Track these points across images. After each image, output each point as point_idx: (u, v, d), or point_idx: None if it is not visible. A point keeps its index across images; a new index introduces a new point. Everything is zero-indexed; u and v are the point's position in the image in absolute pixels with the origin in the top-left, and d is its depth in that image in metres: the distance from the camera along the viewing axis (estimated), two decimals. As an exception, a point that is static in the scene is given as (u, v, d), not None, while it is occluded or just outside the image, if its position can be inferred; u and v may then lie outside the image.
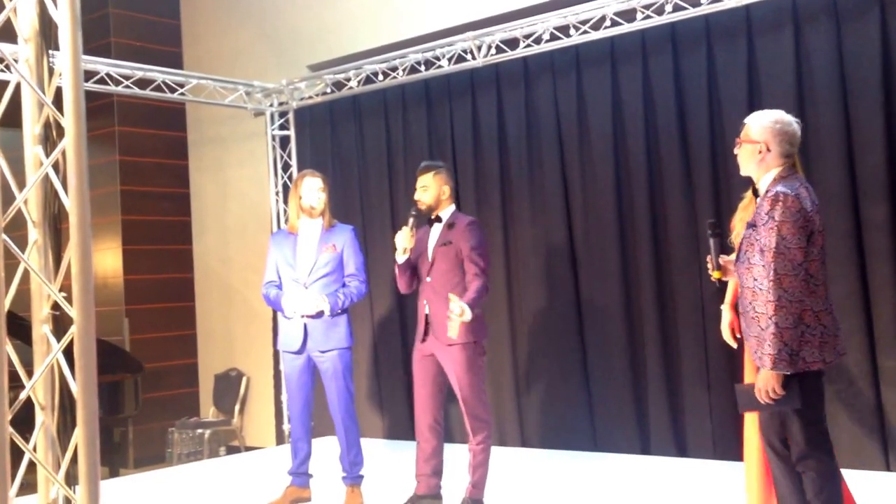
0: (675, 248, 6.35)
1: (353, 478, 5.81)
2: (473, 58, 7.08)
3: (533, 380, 7.06)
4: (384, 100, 7.92)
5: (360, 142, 8.14)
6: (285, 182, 8.46)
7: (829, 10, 5.74)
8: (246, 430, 9.22)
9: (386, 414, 7.91)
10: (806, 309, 3.65)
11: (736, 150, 3.97)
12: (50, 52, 2.78)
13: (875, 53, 5.56)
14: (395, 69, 7.57)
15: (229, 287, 9.44)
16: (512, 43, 6.91)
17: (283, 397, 8.23)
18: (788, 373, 3.63)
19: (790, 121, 3.90)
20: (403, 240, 5.23)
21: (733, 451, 5.80)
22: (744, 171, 3.99)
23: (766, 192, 3.80)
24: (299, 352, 5.72)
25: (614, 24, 6.41)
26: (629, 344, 6.57)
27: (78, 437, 2.71)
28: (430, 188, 5.24)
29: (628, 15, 6.34)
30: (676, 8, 6.11)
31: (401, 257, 5.27)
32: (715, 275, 4.13)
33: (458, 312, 4.79)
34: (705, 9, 6.01)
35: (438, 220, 5.24)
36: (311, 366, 5.78)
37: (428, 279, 5.20)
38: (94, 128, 9.09)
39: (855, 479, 4.47)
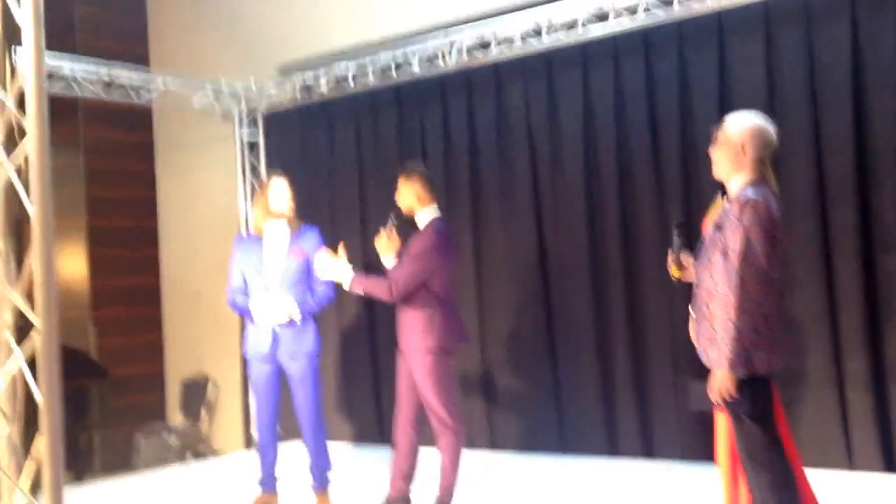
0: (645, 252, 6.35)
1: (322, 483, 5.78)
2: (444, 59, 7.03)
3: (502, 382, 7.05)
4: (354, 104, 7.88)
5: (330, 145, 8.08)
6: (253, 185, 8.38)
7: (800, 14, 5.76)
8: (213, 436, 9.15)
9: (353, 418, 7.88)
10: (764, 314, 3.68)
11: (712, 150, 3.99)
12: (12, 52, 2.73)
13: (845, 57, 5.58)
14: (365, 71, 7.49)
15: (196, 292, 9.35)
16: (483, 45, 6.87)
17: (251, 402, 8.16)
18: (743, 376, 3.67)
19: (769, 126, 3.93)
20: (381, 243, 5.26)
21: (700, 452, 5.83)
22: (717, 171, 4.00)
23: (736, 195, 3.82)
24: (268, 358, 5.68)
25: (586, 25, 6.37)
26: (598, 346, 6.57)
27: (42, 445, 2.67)
28: (401, 193, 5.27)
29: (601, 18, 6.31)
30: (648, 11, 6.09)
31: (385, 261, 5.29)
32: (674, 273, 4.17)
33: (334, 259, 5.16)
34: (678, 12, 5.99)
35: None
36: (279, 372, 5.74)
37: (402, 282, 5.21)
38: (58, 129, 8.95)
39: (820, 479, 4.51)
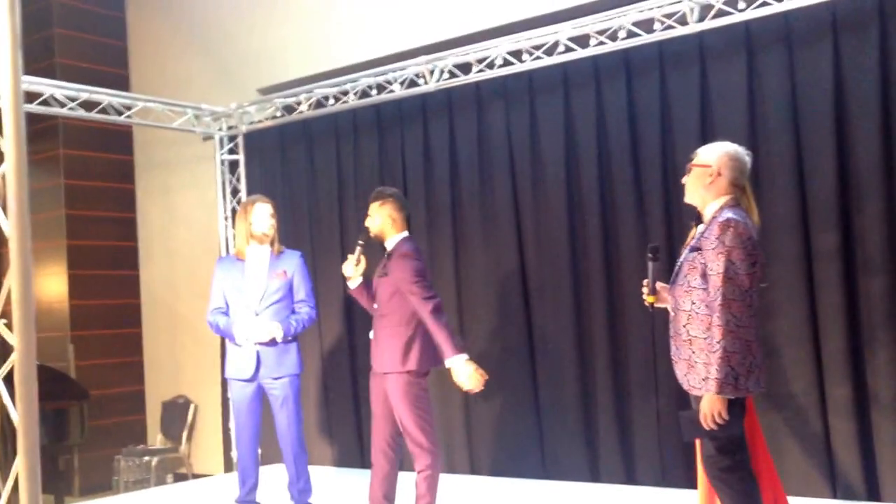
0: (627, 276, 6.32)
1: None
2: (426, 82, 7.05)
3: (482, 406, 7.01)
4: (335, 125, 7.87)
5: (311, 167, 8.07)
6: (234, 207, 8.35)
7: (781, 38, 5.76)
8: (193, 458, 9.09)
9: (334, 441, 7.84)
10: (746, 335, 3.68)
11: (684, 179, 4.01)
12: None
13: (827, 81, 5.58)
14: (346, 93, 7.52)
15: (176, 313, 9.32)
16: (465, 68, 6.89)
17: (231, 424, 8.11)
18: (732, 397, 3.66)
19: (743, 152, 3.96)
20: (347, 268, 5.24)
21: (681, 478, 5.81)
22: (689, 197, 4.03)
23: (714, 217, 3.83)
24: (251, 379, 5.65)
25: (568, 49, 6.40)
26: (579, 370, 6.54)
27: (18, 466, 2.65)
28: (375, 217, 5.23)
29: (582, 41, 6.34)
30: (630, 34, 6.12)
31: (350, 283, 5.30)
32: (649, 299, 4.15)
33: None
34: (658, 35, 6.02)
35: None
36: (260, 393, 5.72)
37: (375, 306, 5.20)
38: (39, 151, 8.95)
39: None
